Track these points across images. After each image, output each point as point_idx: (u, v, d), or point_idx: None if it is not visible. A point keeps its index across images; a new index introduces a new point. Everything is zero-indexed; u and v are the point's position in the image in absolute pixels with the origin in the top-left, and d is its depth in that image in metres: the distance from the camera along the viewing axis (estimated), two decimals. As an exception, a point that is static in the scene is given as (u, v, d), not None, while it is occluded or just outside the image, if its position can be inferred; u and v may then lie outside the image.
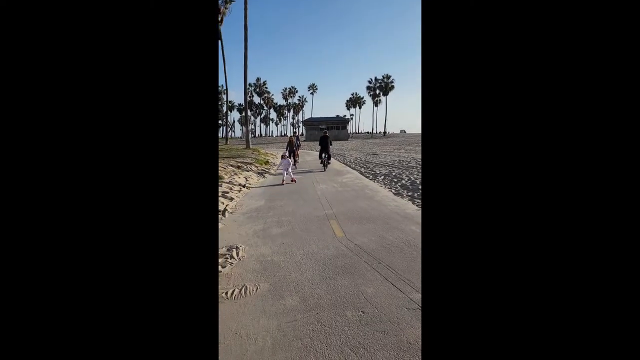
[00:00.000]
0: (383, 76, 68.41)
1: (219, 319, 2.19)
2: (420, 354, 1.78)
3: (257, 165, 11.67)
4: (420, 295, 2.41)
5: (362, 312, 2.23)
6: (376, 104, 72.37)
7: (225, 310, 2.31)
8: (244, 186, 7.59)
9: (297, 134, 14.96)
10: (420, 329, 2.00)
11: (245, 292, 2.56)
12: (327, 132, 11.69)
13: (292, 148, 12.21)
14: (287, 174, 8.23)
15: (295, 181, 8.11)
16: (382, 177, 9.05)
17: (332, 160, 14.57)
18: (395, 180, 8.27)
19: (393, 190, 6.90)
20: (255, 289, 2.61)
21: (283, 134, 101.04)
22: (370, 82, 70.20)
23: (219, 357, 1.81)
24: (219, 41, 28.18)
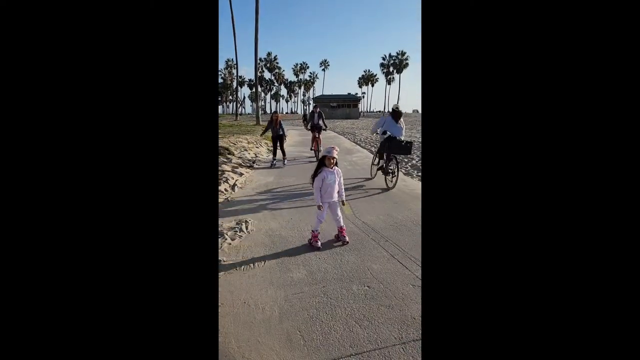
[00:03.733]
0: (397, 53, 66.21)
1: (228, 288, 2.26)
2: (423, 328, 1.82)
3: (267, 141, 11.65)
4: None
5: (368, 287, 2.27)
6: (389, 82, 70.52)
7: (234, 280, 2.38)
8: (254, 162, 7.62)
9: (318, 109, 8.76)
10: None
11: (253, 264, 2.62)
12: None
13: (279, 132, 7.29)
14: (315, 225, 3.02)
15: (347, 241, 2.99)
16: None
17: (343, 138, 14.63)
18: (406, 160, 8.17)
19: (403, 170, 6.83)
20: (263, 262, 2.67)
21: (293, 111, 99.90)
22: (384, 59, 68.10)
23: (230, 323, 1.89)
24: (230, 14, 27.44)
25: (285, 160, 7.51)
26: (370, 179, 5.76)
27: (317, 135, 8.33)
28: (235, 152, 8.25)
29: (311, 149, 8.74)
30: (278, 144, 7.37)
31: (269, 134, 7.73)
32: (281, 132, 7.36)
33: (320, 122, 8.47)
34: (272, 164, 7.17)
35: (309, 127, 8.70)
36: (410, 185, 5.37)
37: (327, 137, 15.49)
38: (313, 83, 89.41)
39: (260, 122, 21.09)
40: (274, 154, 7.35)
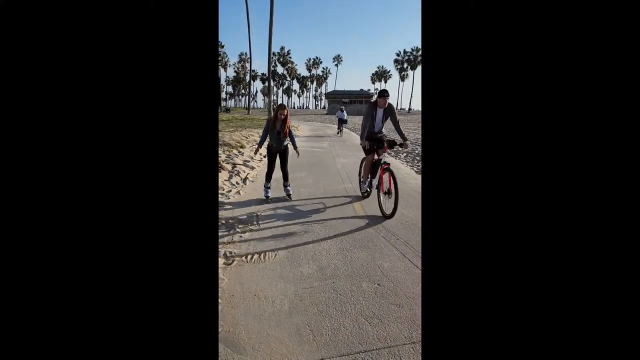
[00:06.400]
0: (412, 49, 65.46)
1: (239, 280, 2.29)
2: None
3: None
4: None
5: (378, 284, 2.26)
6: (403, 78, 69.75)
7: (244, 272, 2.41)
8: (265, 156, 7.66)
9: (387, 100, 3.68)
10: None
11: (264, 258, 2.64)
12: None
13: (283, 143, 4.21)
14: None
15: None
16: (404, 154, 8.86)
17: (354, 135, 15.03)
18: (418, 158, 8.09)
19: (415, 169, 6.77)
20: (273, 256, 2.68)
21: (305, 107, 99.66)
22: (398, 55, 67.48)
23: (241, 315, 1.91)
24: (246, 7, 27.40)
25: (289, 187, 4.36)
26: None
27: (382, 162, 3.79)
28: (247, 146, 8.30)
29: (379, 201, 3.75)
30: (279, 163, 4.26)
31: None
32: (286, 143, 4.21)
33: (384, 131, 4.12)
34: (266, 196, 4.25)
35: (365, 142, 3.86)
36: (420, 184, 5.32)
37: (339, 135, 15.46)
38: (326, 78, 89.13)
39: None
40: (269, 177, 4.27)
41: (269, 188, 4.32)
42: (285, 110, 4.07)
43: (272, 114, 4.23)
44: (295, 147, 4.33)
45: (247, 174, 5.69)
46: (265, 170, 4.38)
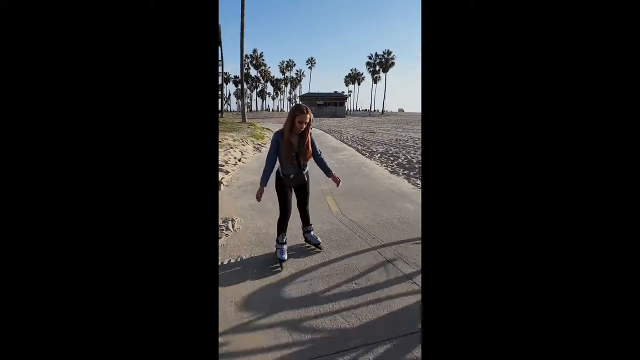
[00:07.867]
0: (384, 52, 67.02)
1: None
2: (409, 322, 1.86)
3: (253, 139, 11.53)
4: (412, 269, 2.48)
5: (355, 284, 2.29)
6: (375, 80, 71.20)
7: (222, 279, 2.35)
8: (239, 160, 7.55)
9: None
10: (411, 301, 2.08)
11: (240, 263, 2.60)
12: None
13: (304, 171, 2.52)
14: None
15: None
16: (379, 155, 9.04)
17: (329, 137, 15.13)
18: (392, 158, 8.28)
19: (389, 169, 6.92)
20: (250, 260, 2.65)
21: (280, 109, 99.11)
22: (370, 58, 68.82)
23: (219, 322, 1.87)
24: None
25: (313, 232, 2.91)
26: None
27: None
28: (221, 150, 8.14)
29: None
30: (296, 201, 2.72)
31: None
32: (307, 170, 2.62)
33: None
34: (280, 258, 2.55)
35: None
36: (396, 183, 5.45)
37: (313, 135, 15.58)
38: (300, 81, 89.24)
39: (246, 120, 20.77)
40: (282, 226, 2.64)
41: (284, 244, 2.63)
42: (308, 116, 2.39)
43: (288, 123, 2.39)
44: (329, 172, 2.65)
45: (222, 178, 5.58)
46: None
